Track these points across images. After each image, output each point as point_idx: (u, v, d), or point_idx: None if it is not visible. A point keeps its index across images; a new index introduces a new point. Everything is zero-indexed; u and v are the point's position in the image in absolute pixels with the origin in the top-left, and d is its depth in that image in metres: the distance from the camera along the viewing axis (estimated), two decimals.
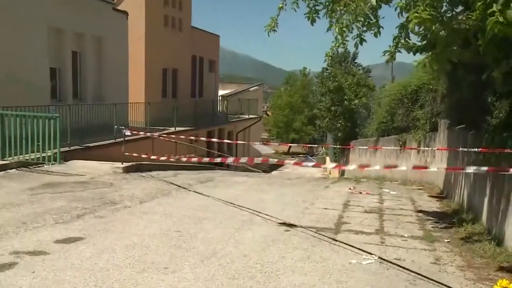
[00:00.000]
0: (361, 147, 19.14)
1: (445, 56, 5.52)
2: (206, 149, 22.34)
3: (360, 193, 10.69)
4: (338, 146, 23.28)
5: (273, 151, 64.65)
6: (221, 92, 37.17)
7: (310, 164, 8.36)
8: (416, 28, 5.54)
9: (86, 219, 7.16)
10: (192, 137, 18.88)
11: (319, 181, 14.17)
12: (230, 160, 10.56)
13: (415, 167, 6.72)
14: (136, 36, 23.41)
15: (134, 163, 12.80)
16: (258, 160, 9.18)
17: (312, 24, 6.60)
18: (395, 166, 6.54)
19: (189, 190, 10.16)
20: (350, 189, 11.32)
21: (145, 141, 16.59)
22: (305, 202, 9.26)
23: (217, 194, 9.71)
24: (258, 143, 55.42)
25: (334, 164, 9.75)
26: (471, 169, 6.29)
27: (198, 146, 19.70)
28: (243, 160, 9.01)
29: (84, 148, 14.42)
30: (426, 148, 12.78)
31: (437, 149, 11.34)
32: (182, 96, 28.41)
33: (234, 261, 5.55)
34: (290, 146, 69.11)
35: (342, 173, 23.47)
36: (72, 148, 13.98)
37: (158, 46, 25.44)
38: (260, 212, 7.96)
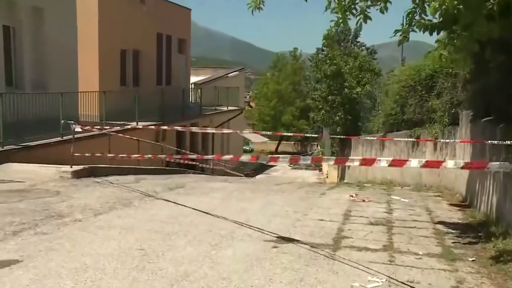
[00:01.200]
0: (368, 137, 19.37)
1: (472, 33, 5.42)
2: (176, 148, 22.27)
3: (364, 200, 10.73)
4: (338, 137, 23.62)
5: (266, 140, 67.02)
6: (193, 79, 37.17)
7: (305, 162, 8.33)
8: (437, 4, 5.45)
9: (25, 237, 7.08)
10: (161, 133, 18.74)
11: (314, 187, 14.26)
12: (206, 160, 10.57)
13: (429, 162, 6.75)
14: (87, 8, 23.14)
15: (86, 166, 12.67)
16: (245, 158, 9.18)
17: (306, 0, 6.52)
18: (406, 162, 6.62)
19: (156, 199, 10.12)
20: (351, 196, 11.32)
21: (100, 139, 16.48)
22: (297, 212, 9.27)
23: (189, 203, 9.65)
24: (247, 131, 56.55)
25: (332, 161, 9.66)
26: (496, 165, 6.18)
27: (166, 145, 19.63)
28: (227, 157, 8.88)
29: (23, 148, 14.21)
30: (446, 140, 12.82)
31: (459, 142, 11.37)
32: (146, 84, 28.35)
33: (211, 285, 5.54)
34: (279, 144, 69.53)
35: (342, 177, 23.62)
36: (6, 148, 13.78)
37: (115, 21, 25.16)
38: (242, 225, 7.98)
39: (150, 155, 12.99)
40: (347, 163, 7.33)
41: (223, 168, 24.97)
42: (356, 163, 7.16)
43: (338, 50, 31.93)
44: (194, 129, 16.06)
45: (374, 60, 35.32)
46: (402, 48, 27.19)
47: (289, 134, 27.70)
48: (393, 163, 6.77)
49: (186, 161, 16.47)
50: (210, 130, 20.16)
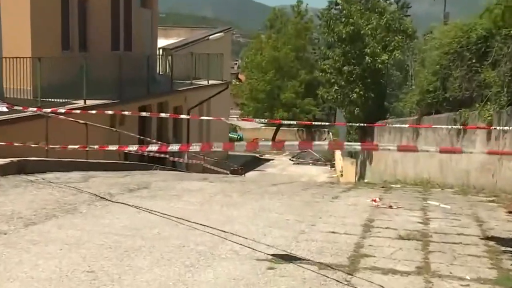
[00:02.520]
0: (396, 123, 19.38)
1: None
2: (138, 136, 21.94)
3: (391, 207, 10.70)
4: (356, 124, 23.43)
5: (260, 125, 67.60)
6: (162, 43, 37.38)
7: (320, 146, 8.29)
8: None
9: None
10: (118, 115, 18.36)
11: (324, 188, 14.07)
12: (175, 148, 10.48)
13: (490, 152, 6.72)
14: None
15: (14, 159, 12.57)
16: (218, 146, 9.11)
17: None
18: (458, 151, 6.57)
19: (110, 203, 10.11)
20: (373, 200, 11.31)
21: (33, 122, 16.47)
22: (301, 222, 9.27)
23: (156, 209, 9.67)
24: (237, 117, 57.52)
25: (357, 147, 9.58)
26: None
27: (124, 131, 19.34)
28: (195, 148, 8.84)
29: None
30: (504, 128, 12.71)
31: None
32: (97, 48, 28.16)
33: None
34: (277, 131, 68.34)
35: (362, 174, 23.55)
36: None
37: None
38: (226, 239, 7.99)
39: (96, 146, 12.95)
40: (379, 149, 7.20)
41: (201, 163, 24.91)
42: (392, 148, 7.08)
43: (358, 4, 31.26)
44: (162, 115, 15.70)
45: (406, 17, 34.53)
46: (445, 1, 27.29)
47: (291, 122, 27.56)
48: (443, 150, 6.65)
49: (154, 153, 16.15)
50: (184, 117, 19.98)
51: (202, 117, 21.31)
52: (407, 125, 18.81)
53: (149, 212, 9.52)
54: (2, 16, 20.49)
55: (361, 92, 27.18)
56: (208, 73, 36.14)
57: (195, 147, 8.84)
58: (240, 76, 78.01)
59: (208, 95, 35.83)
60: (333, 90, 29.16)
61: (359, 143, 10.15)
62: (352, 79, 27.98)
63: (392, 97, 25.48)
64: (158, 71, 33.88)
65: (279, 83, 69.17)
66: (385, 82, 26.98)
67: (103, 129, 19.55)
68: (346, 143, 13.71)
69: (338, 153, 44.76)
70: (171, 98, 31.05)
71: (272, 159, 58.97)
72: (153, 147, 11.57)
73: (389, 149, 6.82)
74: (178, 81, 32.36)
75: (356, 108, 27.86)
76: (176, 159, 22.85)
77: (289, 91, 68.15)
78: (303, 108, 67.54)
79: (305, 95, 67.41)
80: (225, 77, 41.97)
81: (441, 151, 6.39)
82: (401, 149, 7.32)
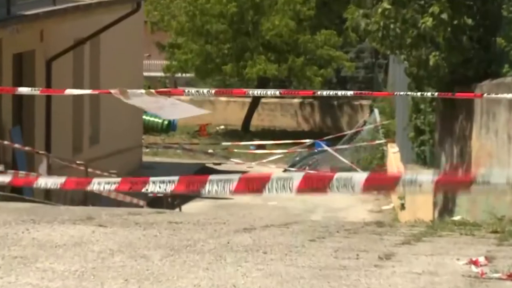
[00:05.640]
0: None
1: None
2: None
3: (509, 276, 8.15)
4: (431, 94, 15.88)
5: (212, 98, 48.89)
6: None
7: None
8: None
9: None
10: None
11: (361, 236, 10.50)
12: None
13: None
14: None
15: None
16: None
17: None
18: None
19: None
20: (473, 263, 8.50)
21: None
22: None
23: None
24: (194, 91, 37.02)
25: (429, 175, 5.99)
26: None
27: None
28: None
29: None
30: None
31: None
32: None
33: None
34: (254, 106, 53.66)
35: (445, 207, 17.27)
36: None
37: None
38: None
39: None
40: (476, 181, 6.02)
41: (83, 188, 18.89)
42: None
43: None
44: None
45: None
46: None
47: (276, 91, 18.12)
48: None
49: None
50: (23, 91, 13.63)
51: (67, 91, 12.59)
52: None
53: None
54: None
55: (443, 16, 18.27)
56: None
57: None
58: None
59: (95, 27, 25.90)
60: (379, 11, 19.12)
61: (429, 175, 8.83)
62: None
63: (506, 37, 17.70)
64: None
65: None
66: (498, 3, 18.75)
67: None
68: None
69: (393, 156, 30.73)
70: (11, 30, 21.63)
71: (245, 171, 35.92)
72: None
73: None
74: None
75: (434, 52, 18.71)
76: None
77: (279, 16, 43.86)
78: (313, 54, 44.28)
79: (316, 25, 44.74)
80: None
81: None
82: None
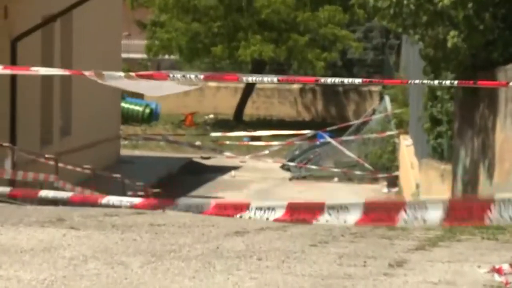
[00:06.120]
0: None
1: None
2: None
3: None
4: (450, 83, 16.16)
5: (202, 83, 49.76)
6: None
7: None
8: None
9: None
10: None
11: (369, 240, 10.94)
12: None
13: None
14: None
15: None
16: None
17: None
18: None
19: None
20: (497, 271, 8.71)
21: None
22: None
23: None
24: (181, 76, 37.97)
25: (437, 171, 8.14)
26: None
27: None
28: None
29: None
30: None
31: None
32: None
33: None
34: (248, 93, 48.86)
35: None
36: None
37: None
38: None
39: None
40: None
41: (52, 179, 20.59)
42: None
43: None
44: None
45: None
46: None
47: (273, 77, 18.76)
48: None
49: None
50: None
51: (34, 69, 12.52)
52: None
53: None
54: None
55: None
56: None
57: None
58: None
59: (66, 2, 25.60)
60: None
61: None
62: None
63: None
64: None
65: None
66: None
67: None
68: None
69: (405, 149, 30.51)
70: None
71: (237, 167, 36.89)
72: None
73: None
74: None
75: (452, 32, 18.62)
76: None
77: None
78: (315, 34, 44.96)
79: (318, 0, 44.29)
80: None
81: None
82: None
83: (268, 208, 8.17)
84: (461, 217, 10.16)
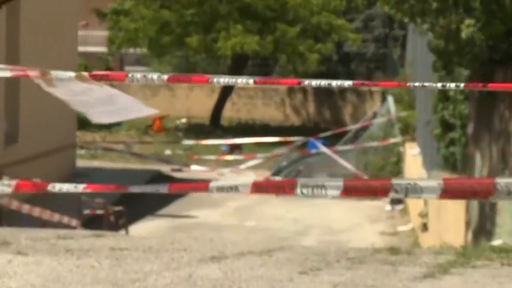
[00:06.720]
0: None
1: None
2: None
3: None
4: (462, 85, 15.90)
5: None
6: None
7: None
8: None
9: None
10: None
11: (369, 267, 11.16)
12: None
13: None
14: None
15: None
16: None
17: None
18: None
19: None
20: None
21: None
22: None
23: None
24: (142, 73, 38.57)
25: None
26: None
27: None
28: None
29: None
30: None
31: None
32: None
33: None
34: (226, 93, 48.52)
35: (482, 226, 18.89)
36: None
37: None
38: None
39: None
40: None
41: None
42: None
43: None
44: None
45: None
46: None
47: (250, 79, 18.71)
48: None
49: None
50: None
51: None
52: None
53: None
54: None
55: None
56: None
57: None
58: None
59: None
60: None
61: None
62: None
63: None
64: None
65: None
66: None
67: None
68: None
69: (412, 160, 29.86)
70: None
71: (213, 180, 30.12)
72: None
73: None
74: None
75: (467, 20, 18.07)
76: None
77: None
78: (306, 23, 43.94)
79: None
80: None
81: None
82: None
83: (231, 188, 7.97)
84: None
